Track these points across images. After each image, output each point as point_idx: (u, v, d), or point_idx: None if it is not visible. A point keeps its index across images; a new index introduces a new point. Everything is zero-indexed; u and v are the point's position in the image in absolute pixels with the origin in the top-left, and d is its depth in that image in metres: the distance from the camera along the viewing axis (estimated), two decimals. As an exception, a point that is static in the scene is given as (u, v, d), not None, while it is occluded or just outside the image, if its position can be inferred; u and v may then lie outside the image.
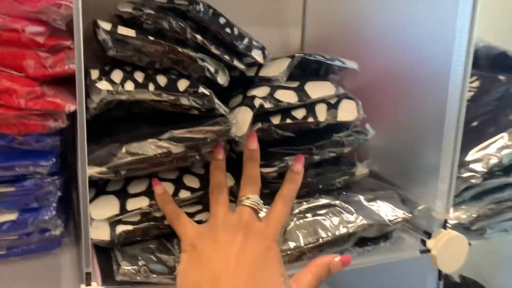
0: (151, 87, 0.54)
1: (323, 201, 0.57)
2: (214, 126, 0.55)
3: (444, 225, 0.59)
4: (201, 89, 0.56)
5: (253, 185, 0.53)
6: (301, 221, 0.54)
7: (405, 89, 0.64)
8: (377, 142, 0.70)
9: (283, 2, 0.86)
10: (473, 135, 0.67)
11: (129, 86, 0.53)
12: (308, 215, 0.55)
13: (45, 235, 0.51)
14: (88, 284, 0.42)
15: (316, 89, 0.61)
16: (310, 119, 0.58)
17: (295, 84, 0.62)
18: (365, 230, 0.55)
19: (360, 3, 0.73)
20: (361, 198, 0.59)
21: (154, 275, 0.47)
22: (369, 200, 0.58)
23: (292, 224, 0.53)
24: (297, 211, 0.55)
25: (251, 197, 0.51)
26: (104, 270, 0.48)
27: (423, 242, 0.60)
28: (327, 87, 0.62)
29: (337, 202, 0.57)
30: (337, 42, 0.78)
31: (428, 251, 0.59)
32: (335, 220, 0.54)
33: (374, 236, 0.57)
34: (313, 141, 0.59)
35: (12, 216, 0.50)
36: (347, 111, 0.59)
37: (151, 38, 0.54)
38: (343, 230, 0.53)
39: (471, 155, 0.64)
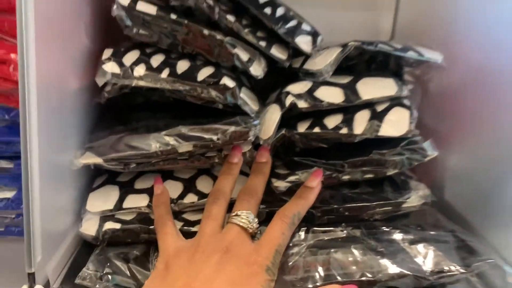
0: (165, 73, 0.48)
1: (344, 233, 0.45)
2: (230, 125, 0.47)
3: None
4: (224, 80, 0.48)
5: (249, 200, 0.44)
6: (311, 257, 0.43)
7: (494, 97, 0.48)
8: (455, 161, 0.55)
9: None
10: None
11: (140, 70, 0.48)
12: (322, 251, 0.43)
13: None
14: (31, 286, 0.38)
15: (371, 88, 0.49)
16: (343, 131, 0.46)
17: (346, 80, 0.50)
18: (394, 281, 0.42)
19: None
20: (400, 236, 0.45)
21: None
22: (411, 242, 0.44)
23: (299, 258, 0.43)
24: (311, 242, 0.44)
25: (242, 213, 0.43)
26: (78, 268, 0.44)
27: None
28: (386, 86, 0.49)
29: (365, 238, 0.44)
30: (429, 30, 0.62)
31: (490, 323, 0.43)
32: (356, 261, 0.42)
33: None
34: (350, 155, 0.47)
35: (9, 194, 0.49)
36: (394, 124, 0.45)
37: (173, 16, 0.48)
38: (362, 277, 0.41)
39: None
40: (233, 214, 0.43)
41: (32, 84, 0.35)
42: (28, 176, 0.37)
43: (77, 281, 0.42)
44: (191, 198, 0.49)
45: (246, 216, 0.43)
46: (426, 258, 0.43)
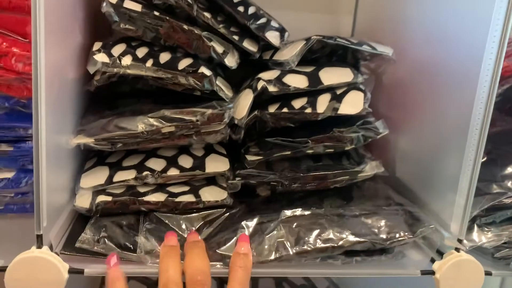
0: (149, 63, 0.54)
1: (310, 211, 0.52)
2: (207, 108, 0.53)
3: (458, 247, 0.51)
4: (202, 69, 0.54)
5: None
6: (283, 230, 0.50)
7: (435, 87, 0.56)
8: (404, 143, 0.63)
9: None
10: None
11: (127, 60, 0.53)
12: (294, 224, 0.51)
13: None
14: (39, 247, 0.44)
15: (331, 75, 0.56)
16: (308, 110, 0.53)
17: (309, 69, 0.57)
18: (354, 245, 0.49)
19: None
20: (358, 212, 0.52)
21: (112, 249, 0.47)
22: (367, 215, 0.52)
23: (275, 232, 0.50)
24: (283, 217, 0.51)
25: None
26: (75, 236, 0.49)
27: (433, 262, 0.52)
28: (344, 74, 0.57)
29: (328, 214, 0.52)
30: (384, 30, 0.71)
31: (432, 272, 0.51)
32: (323, 232, 0.50)
33: (366, 249, 0.51)
34: (313, 134, 0.54)
35: (9, 175, 0.53)
36: (351, 104, 0.53)
37: (156, 13, 0.54)
38: (327, 244, 0.49)
39: (510, 170, 0.54)
40: None
41: (42, 74, 0.41)
42: (38, 154, 0.42)
43: (77, 244, 0.47)
44: (173, 171, 0.55)
45: None
46: (380, 228, 0.51)
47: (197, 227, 0.52)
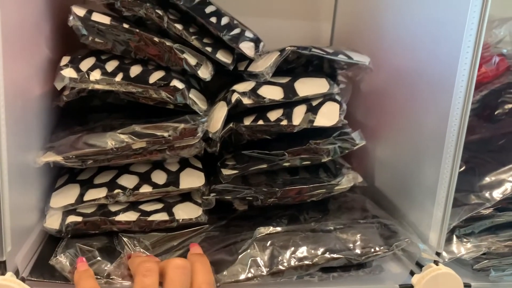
0: (119, 77, 0.52)
1: (284, 228, 0.51)
2: (180, 123, 0.52)
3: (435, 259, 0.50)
4: (174, 82, 0.52)
5: None
6: (257, 249, 0.49)
7: (412, 96, 0.55)
8: (383, 152, 0.62)
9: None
10: (498, 156, 0.56)
11: (96, 75, 0.52)
12: (269, 242, 0.50)
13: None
14: (3, 273, 0.42)
15: (307, 86, 0.55)
16: (284, 122, 0.52)
17: (285, 80, 0.56)
18: (329, 262, 0.48)
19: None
20: (333, 227, 0.52)
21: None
22: (342, 230, 0.51)
23: (249, 251, 0.49)
24: (257, 236, 0.50)
25: None
26: (44, 259, 0.47)
27: (412, 275, 0.52)
28: (319, 85, 0.56)
29: (302, 230, 0.51)
30: (362, 38, 0.70)
31: (411, 286, 0.50)
32: (297, 249, 0.49)
33: (343, 265, 0.50)
34: (290, 146, 0.53)
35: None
36: (326, 116, 0.52)
37: (125, 26, 0.52)
38: (302, 262, 0.48)
39: (488, 180, 0.53)
40: None
41: (1, 91, 0.39)
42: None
43: (52, 262, 0.46)
44: (146, 188, 0.53)
45: None
46: (355, 243, 0.50)
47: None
